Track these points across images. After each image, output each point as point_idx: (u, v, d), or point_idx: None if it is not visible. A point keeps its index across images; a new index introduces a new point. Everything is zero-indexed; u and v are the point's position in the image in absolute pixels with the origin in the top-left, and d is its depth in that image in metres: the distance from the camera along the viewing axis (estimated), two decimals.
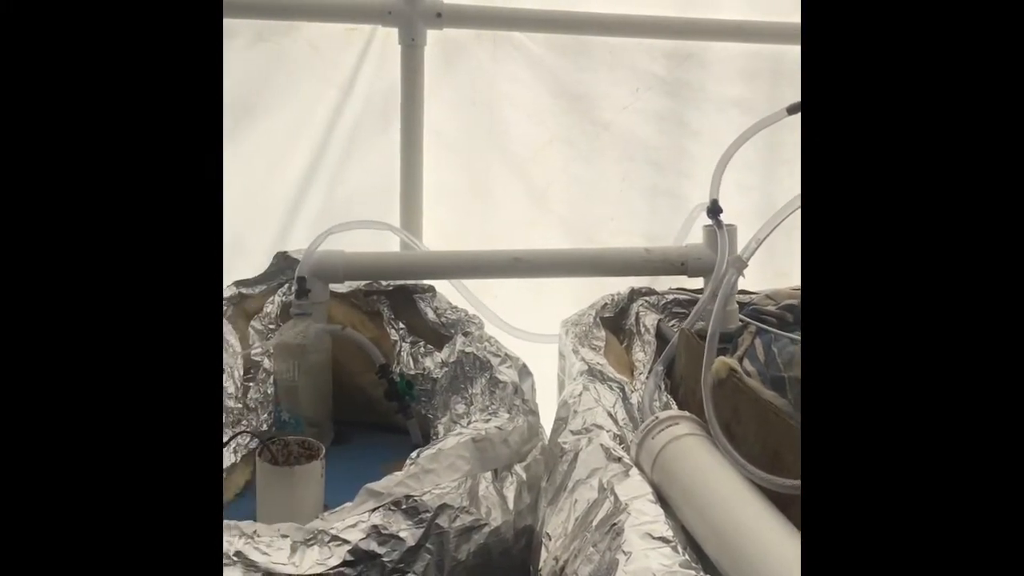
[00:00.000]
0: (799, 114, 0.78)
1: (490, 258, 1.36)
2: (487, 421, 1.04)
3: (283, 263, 1.37)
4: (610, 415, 1.00)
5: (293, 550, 0.80)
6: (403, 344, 1.33)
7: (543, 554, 0.88)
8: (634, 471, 0.87)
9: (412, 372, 1.31)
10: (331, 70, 1.68)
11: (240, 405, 1.24)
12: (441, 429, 1.18)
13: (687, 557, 0.72)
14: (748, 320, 1.03)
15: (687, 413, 0.97)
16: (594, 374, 1.08)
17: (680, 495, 0.86)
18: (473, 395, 1.18)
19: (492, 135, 1.73)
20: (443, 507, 0.88)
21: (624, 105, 1.73)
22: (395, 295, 1.37)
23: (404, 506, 0.86)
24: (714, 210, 1.21)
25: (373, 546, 0.83)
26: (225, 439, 1.09)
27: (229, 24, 1.62)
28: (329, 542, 0.82)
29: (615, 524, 0.77)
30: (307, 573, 0.79)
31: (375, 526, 0.84)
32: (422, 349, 1.33)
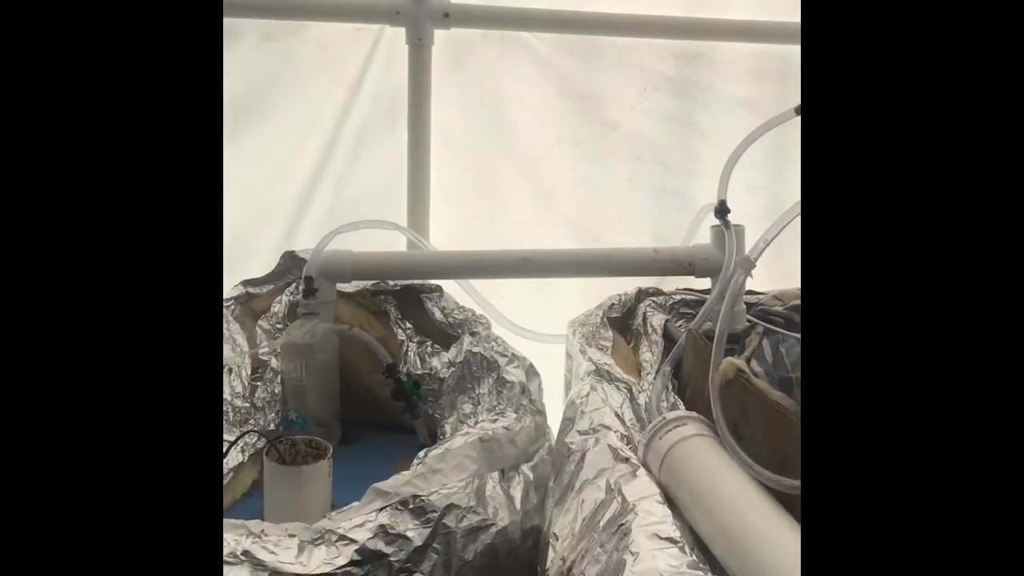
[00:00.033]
0: None
1: (498, 258, 1.36)
2: (494, 421, 1.04)
3: (290, 263, 1.37)
4: (617, 415, 1.00)
5: (300, 549, 0.80)
6: (410, 344, 1.33)
7: (550, 554, 0.88)
8: (641, 471, 0.87)
9: (419, 372, 1.31)
10: (339, 70, 1.68)
11: (247, 404, 1.24)
12: (448, 429, 1.18)
13: (695, 558, 0.72)
14: (756, 321, 1.03)
15: (695, 414, 0.96)
16: (601, 374, 1.08)
17: (688, 496, 0.86)
18: (480, 395, 1.18)
19: (499, 135, 1.73)
20: (450, 507, 0.88)
21: (632, 105, 1.73)
22: (402, 295, 1.37)
23: (411, 506, 0.86)
24: (722, 210, 1.21)
25: (380, 546, 0.83)
26: (232, 438, 1.09)
27: (237, 24, 1.63)
28: (336, 541, 0.82)
29: (622, 524, 0.77)
30: (314, 572, 0.79)
31: (382, 526, 0.84)
32: (429, 349, 1.33)
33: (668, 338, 1.25)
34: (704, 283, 1.31)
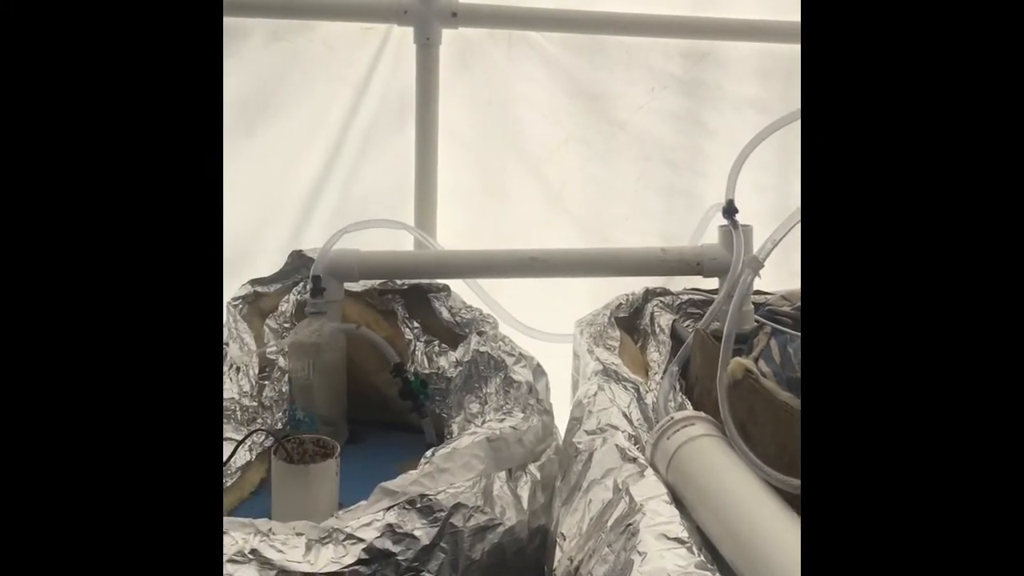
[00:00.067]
0: None
1: (505, 257, 1.36)
2: (501, 421, 1.04)
3: (298, 262, 1.37)
4: (625, 415, 1.00)
5: (308, 548, 0.80)
6: (417, 343, 1.34)
7: (557, 554, 0.88)
8: (649, 471, 0.87)
9: (426, 371, 1.31)
10: (346, 69, 1.68)
11: (255, 403, 1.24)
12: (455, 428, 1.18)
13: (702, 558, 0.71)
14: (763, 321, 1.03)
15: (702, 414, 0.96)
16: (609, 374, 1.08)
17: (695, 496, 0.86)
18: (487, 394, 1.18)
19: (507, 135, 1.73)
20: (457, 506, 0.88)
21: (640, 104, 1.73)
22: (410, 294, 1.37)
23: (419, 505, 0.86)
24: (730, 210, 1.20)
25: (388, 545, 0.83)
26: (240, 437, 1.10)
27: (244, 23, 1.63)
28: (344, 540, 0.82)
29: (630, 524, 0.77)
30: (322, 571, 0.79)
31: (390, 525, 0.84)
32: (436, 348, 1.33)
33: (676, 338, 1.24)
34: (712, 283, 1.31)
